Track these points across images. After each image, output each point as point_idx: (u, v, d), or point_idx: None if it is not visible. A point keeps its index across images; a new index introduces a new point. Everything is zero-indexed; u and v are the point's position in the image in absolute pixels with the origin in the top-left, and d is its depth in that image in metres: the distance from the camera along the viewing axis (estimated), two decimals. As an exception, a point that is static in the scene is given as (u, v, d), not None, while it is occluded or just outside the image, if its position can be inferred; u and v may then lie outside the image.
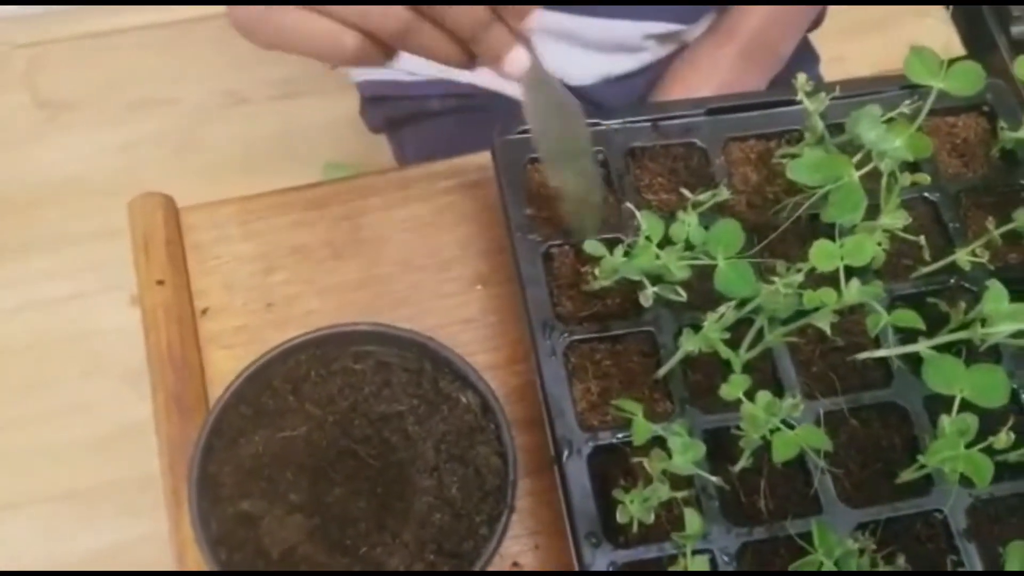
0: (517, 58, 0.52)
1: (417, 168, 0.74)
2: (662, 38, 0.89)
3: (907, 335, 0.57)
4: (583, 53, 0.87)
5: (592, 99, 0.90)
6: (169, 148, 1.59)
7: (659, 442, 0.52)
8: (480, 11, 0.48)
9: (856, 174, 0.52)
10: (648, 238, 0.55)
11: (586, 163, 0.61)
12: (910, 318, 0.51)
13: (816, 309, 0.53)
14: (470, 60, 0.51)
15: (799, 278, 0.50)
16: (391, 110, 0.95)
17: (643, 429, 0.51)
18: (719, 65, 0.86)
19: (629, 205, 0.60)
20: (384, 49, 0.50)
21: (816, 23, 1.02)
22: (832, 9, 1.03)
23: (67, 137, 1.61)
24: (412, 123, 0.94)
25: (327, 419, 0.54)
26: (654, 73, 0.91)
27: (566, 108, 0.57)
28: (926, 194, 0.66)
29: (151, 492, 1.41)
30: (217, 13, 1.86)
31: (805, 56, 0.99)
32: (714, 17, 0.90)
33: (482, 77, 0.87)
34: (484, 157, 0.72)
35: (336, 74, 1.46)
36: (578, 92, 0.90)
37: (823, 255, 0.50)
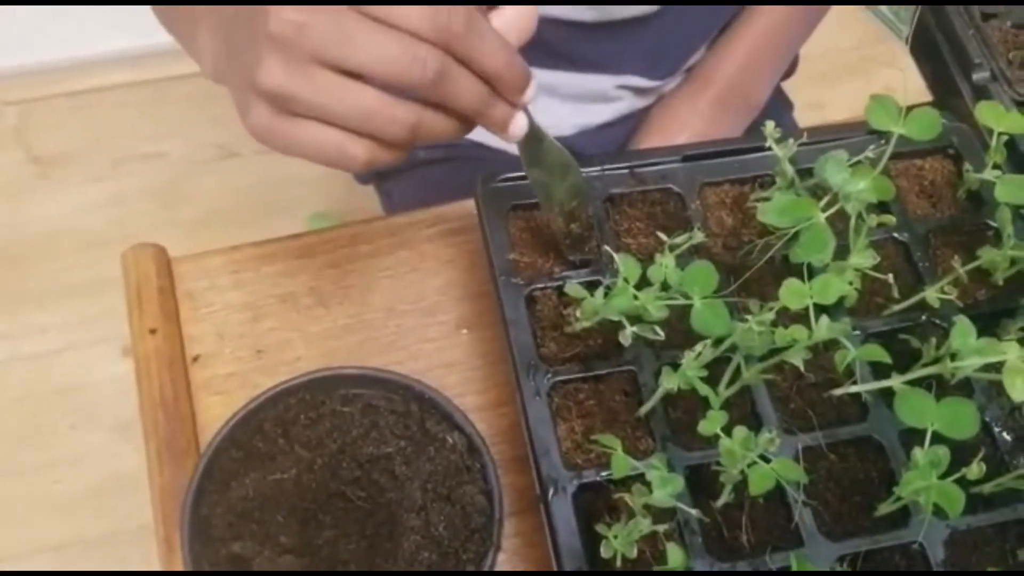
0: (518, 125, 0.54)
1: (401, 216, 0.76)
2: (638, 91, 0.92)
3: (881, 370, 0.59)
4: (560, 104, 0.90)
5: (571, 150, 0.92)
6: (157, 201, 1.61)
7: (641, 478, 0.54)
8: (482, 89, 0.50)
9: (823, 216, 0.54)
10: (626, 280, 0.56)
11: (583, 201, 0.63)
12: (877, 352, 0.52)
13: (789, 347, 0.55)
14: (471, 128, 0.53)
15: (770, 316, 0.52)
16: (377, 161, 0.97)
17: (622, 464, 0.52)
18: (696, 112, 0.89)
19: (608, 248, 0.61)
20: (396, 149, 0.51)
21: (789, 72, 1.05)
22: (810, 55, 1.06)
23: (58, 191, 1.63)
24: (399, 174, 0.96)
25: (316, 461, 0.55)
26: (632, 123, 0.93)
27: (561, 158, 0.61)
28: (895, 234, 0.68)
29: (141, 545, 1.41)
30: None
31: (779, 104, 1.02)
32: (686, 71, 0.93)
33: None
34: (466, 205, 0.75)
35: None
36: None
37: (792, 294, 0.52)
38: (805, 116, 1.08)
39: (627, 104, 0.92)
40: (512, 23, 0.52)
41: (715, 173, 0.69)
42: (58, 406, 1.47)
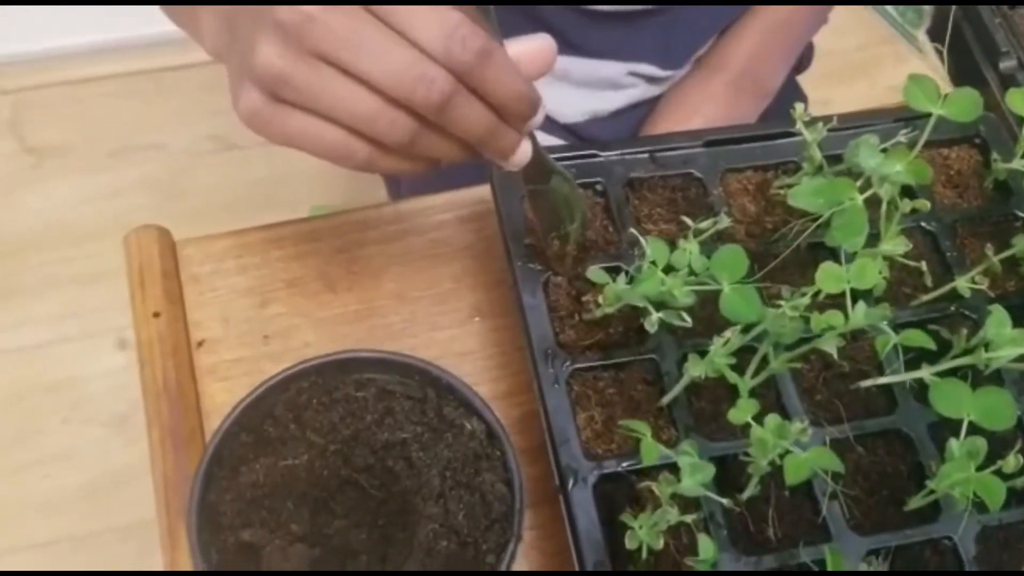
0: (522, 153, 0.52)
1: (412, 202, 0.74)
2: (650, 79, 0.90)
3: (910, 362, 0.57)
4: (571, 90, 0.88)
5: (583, 136, 0.90)
6: (155, 194, 1.59)
7: (666, 467, 0.52)
8: (488, 119, 0.48)
9: (860, 197, 0.52)
10: (654, 263, 0.54)
11: (581, 225, 0.61)
12: (919, 338, 0.51)
13: (821, 334, 0.53)
14: (474, 154, 0.51)
15: (805, 300, 0.50)
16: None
17: (651, 450, 0.50)
18: (709, 96, 0.87)
19: (634, 231, 0.59)
20: (397, 156, 0.49)
21: (803, 65, 1.03)
22: (816, 55, 1.05)
23: (52, 183, 1.61)
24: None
25: (329, 448, 0.53)
26: (644, 111, 0.91)
27: (564, 187, 0.59)
28: (923, 224, 0.66)
29: (133, 542, 1.38)
30: (203, 61, 1.87)
31: (793, 96, 1.00)
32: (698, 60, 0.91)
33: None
34: (480, 191, 0.73)
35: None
36: (570, 130, 0.91)
37: (830, 278, 0.50)
38: (812, 112, 1.07)
39: (639, 92, 0.90)
40: (530, 54, 0.49)
41: (738, 159, 0.68)
42: (50, 400, 1.44)
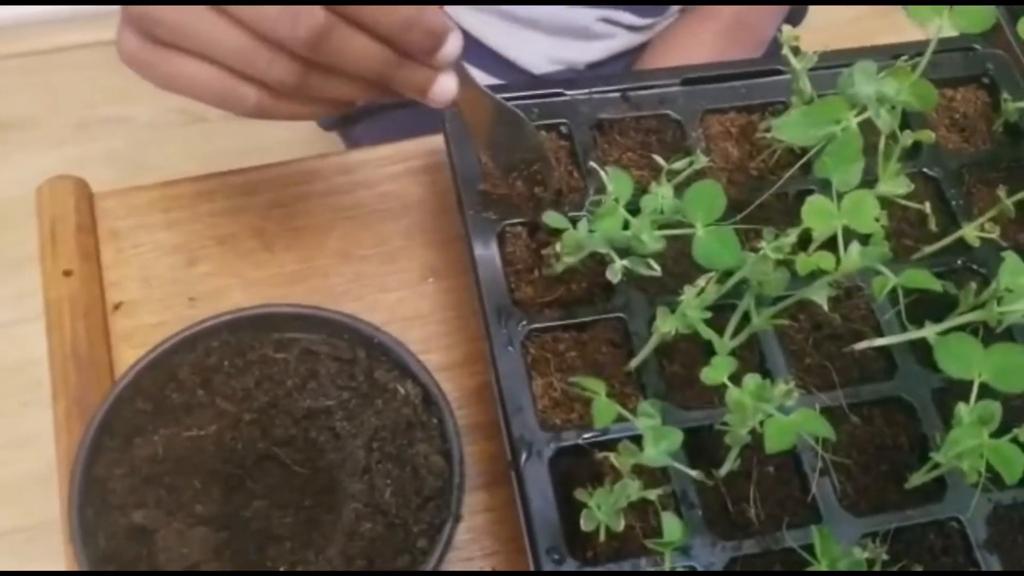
0: (441, 89, 0.47)
1: (359, 152, 0.67)
2: (630, 28, 0.83)
3: (910, 321, 0.50)
4: (543, 38, 0.81)
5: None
6: (119, 167, 1.52)
7: (629, 438, 0.45)
8: (379, 53, 0.44)
9: (855, 120, 0.45)
10: (616, 200, 0.47)
11: (545, 163, 0.56)
12: (923, 279, 0.43)
13: (809, 283, 0.46)
14: (388, 93, 0.47)
15: (790, 240, 0.43)
16: (343, 104, 0.87)
17: (606, 411, 0.43)
18: (700, 42, 0.80)
19: (593, 164, 0.52)
20: (291, 101, 0.46)
21: (797, 19, 0.96)
22: (811, 27, 0.98)
23: (14, 157, 1.54)
24: (365, 117, 0.87)
25: (243, 417, 0.46)
26: (627, 62, 0.84)
27: (512, 118, 0.54)
28: (926, 170, 0.59)
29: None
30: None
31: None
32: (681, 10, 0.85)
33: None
34: (434, 140, 0.66)
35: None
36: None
37: (818, 214, 0.43)
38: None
39: (619, 42, 0.83)
40: None
41: (719, 99, 0.61)
42: (9, 382, 1.37)
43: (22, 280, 1.44)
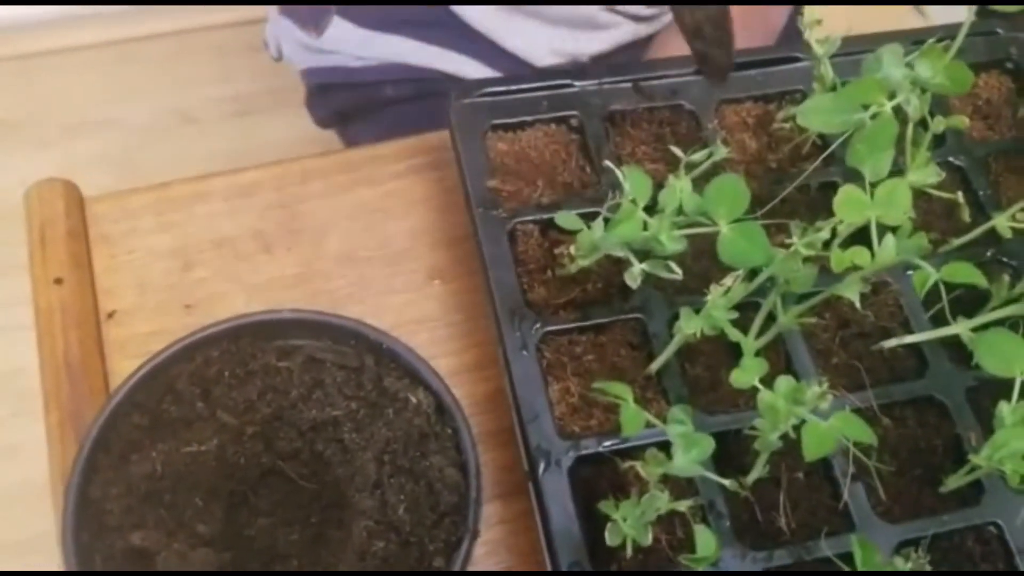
0: None
1: (362, 150, 0.64)
2: (637, 18, 0.81)
3: (941, 318, 0.48)
4: (547, 28, 0.78)
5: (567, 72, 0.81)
6: (111, 171, 1.49)
7: (657, 446, 0.42)
8: None
9: (889, 105, 0.42)
10: (633, 201, 0.45)
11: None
12: (965, 272, 0.41)
13: (839, 279, 0.43)
14: None
15: (823, 236, 0.41)
16: (340, 101, 0.85)
17: (634, 418, 0.41)
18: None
19: (609, 163, 0.50)
20: None
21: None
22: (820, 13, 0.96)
23: (4, 159, 1.51)
24: (364, 114, 0.84)
25: (245, 430, 0.44)
26: (635, 53, 0.82)
27: None
28: (951, 159, 0.57)
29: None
30: (162, 32, 1.77)
31: (794, 39, 0.91)
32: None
33: (440, 60, 0.78)
34: (439, 136, 0.63)
35: (289, 91, 1.37)
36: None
37: (851, 204, 0.41)
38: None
39: (624, 32, 0.80)
40: None
41: (735, 88, 0.58)
42: (-3, 391, 1.35)
43: (11, 287, 1.41)
